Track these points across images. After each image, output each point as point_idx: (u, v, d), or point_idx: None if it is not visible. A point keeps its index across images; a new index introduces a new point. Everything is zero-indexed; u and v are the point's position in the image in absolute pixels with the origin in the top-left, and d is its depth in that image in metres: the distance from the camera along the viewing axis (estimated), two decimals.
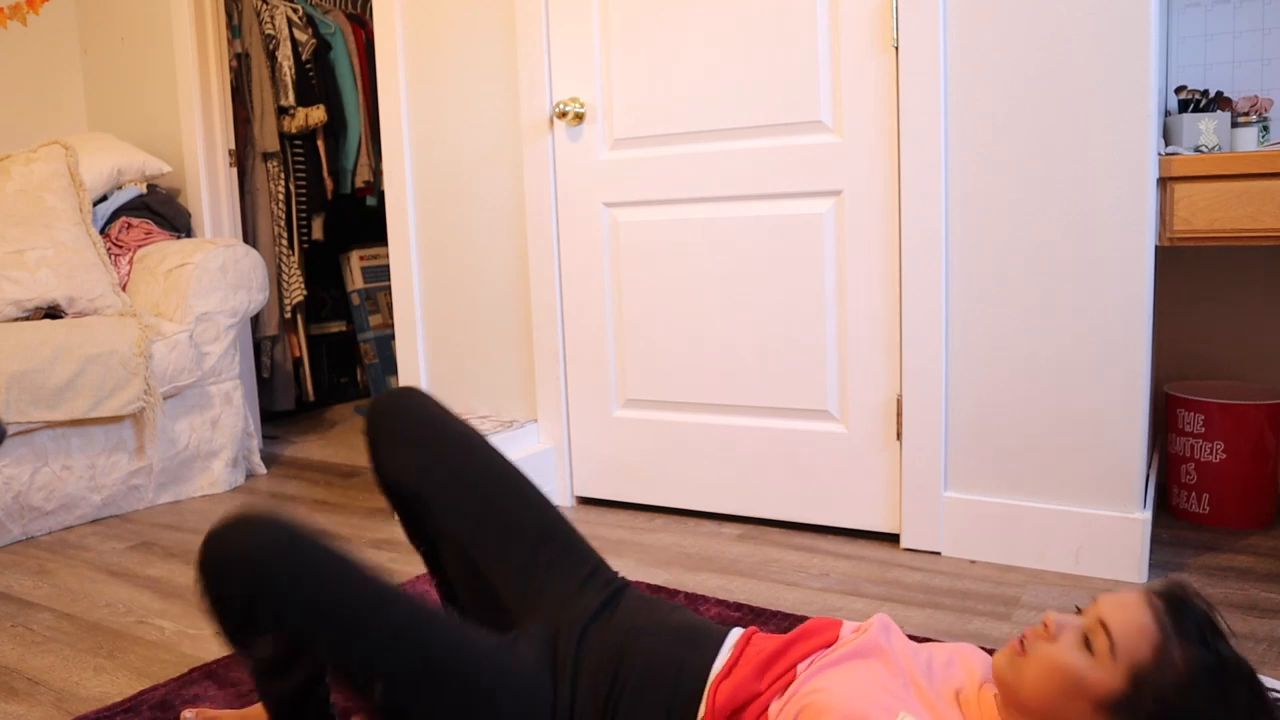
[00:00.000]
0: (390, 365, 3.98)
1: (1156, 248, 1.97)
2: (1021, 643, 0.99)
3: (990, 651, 1.19)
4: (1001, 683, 0.99)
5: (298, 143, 3.79)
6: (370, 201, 4.06)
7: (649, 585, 1.95)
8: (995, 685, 1.01)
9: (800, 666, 1.07)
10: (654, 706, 1.09)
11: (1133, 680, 0.91)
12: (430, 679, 1.04)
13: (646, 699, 1.09)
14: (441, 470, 1.29)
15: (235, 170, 3.47)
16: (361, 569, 1.05)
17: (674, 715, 1.08)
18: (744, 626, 1.20)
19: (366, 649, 1.02)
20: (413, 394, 1.36)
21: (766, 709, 1.04)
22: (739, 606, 1.82)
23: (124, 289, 2.97)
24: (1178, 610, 0.94)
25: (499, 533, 1.26)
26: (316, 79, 3.79)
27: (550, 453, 2.54)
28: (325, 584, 1.02)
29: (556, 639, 1.16)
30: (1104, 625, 0.94)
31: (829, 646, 1.10)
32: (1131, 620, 0.93)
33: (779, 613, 1.78)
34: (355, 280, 4.10)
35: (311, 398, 4.01)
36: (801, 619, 1.73)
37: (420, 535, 1.37)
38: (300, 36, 3.75)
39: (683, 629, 1.16)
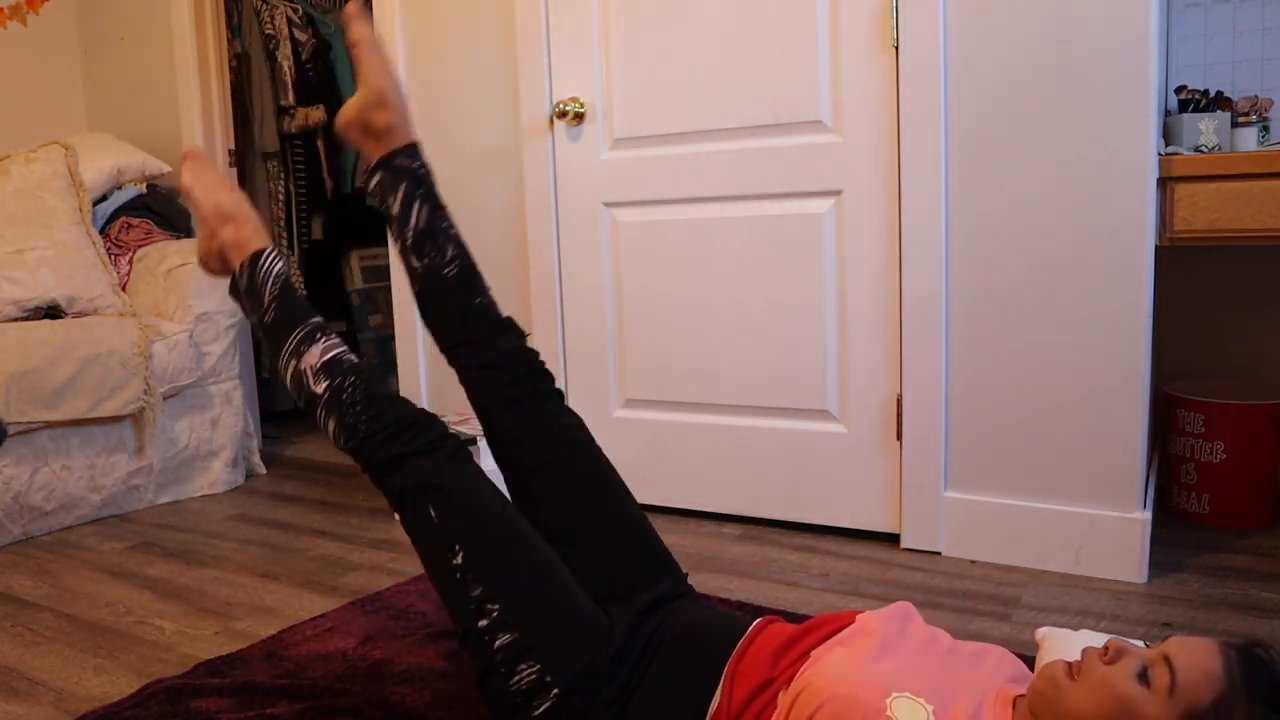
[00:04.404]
0: (390, 365, 3.98)
1: (1156, 248, 1.96)
2: (1072, 666, 0.96)
3: (1019, 656, 1.19)
4: (1039, 693, 0.96)
5: (298, 143, 3.79)
6: (370, 201, 4.05)
7: None
8: (1029, 693, 0.98)
9: (814, 654, 1.08)
10: (678, 678, 1.14)
11: None
12: (505, 557, 1.22)
13: (672, 670, 1.15)
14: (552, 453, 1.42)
15: (235, 170, 3.47)
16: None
17: (694, 691, 1.12)
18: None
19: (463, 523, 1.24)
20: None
21: (776, 696, 1.05)
22: (740, 606, 1.82)
23: (124, 289, 2.97)
24: (1251, 666, 0.89)
25: (601, 522, 1.37)
26: (316, 79, 3.79)
27: None
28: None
29: (621, 603, 1.27)
30: (1168, 661, 0.90)
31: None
32: (1199, 664, 0.89)
33: (779, 612, 1.78)
34: (355, 280, 4.10)
35: None
36: (802, 618, 1.72)
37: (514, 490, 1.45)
38: (300, 36, 3.75)
39: (716, 616, 1.24)
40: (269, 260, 1.44)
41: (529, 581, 1.20)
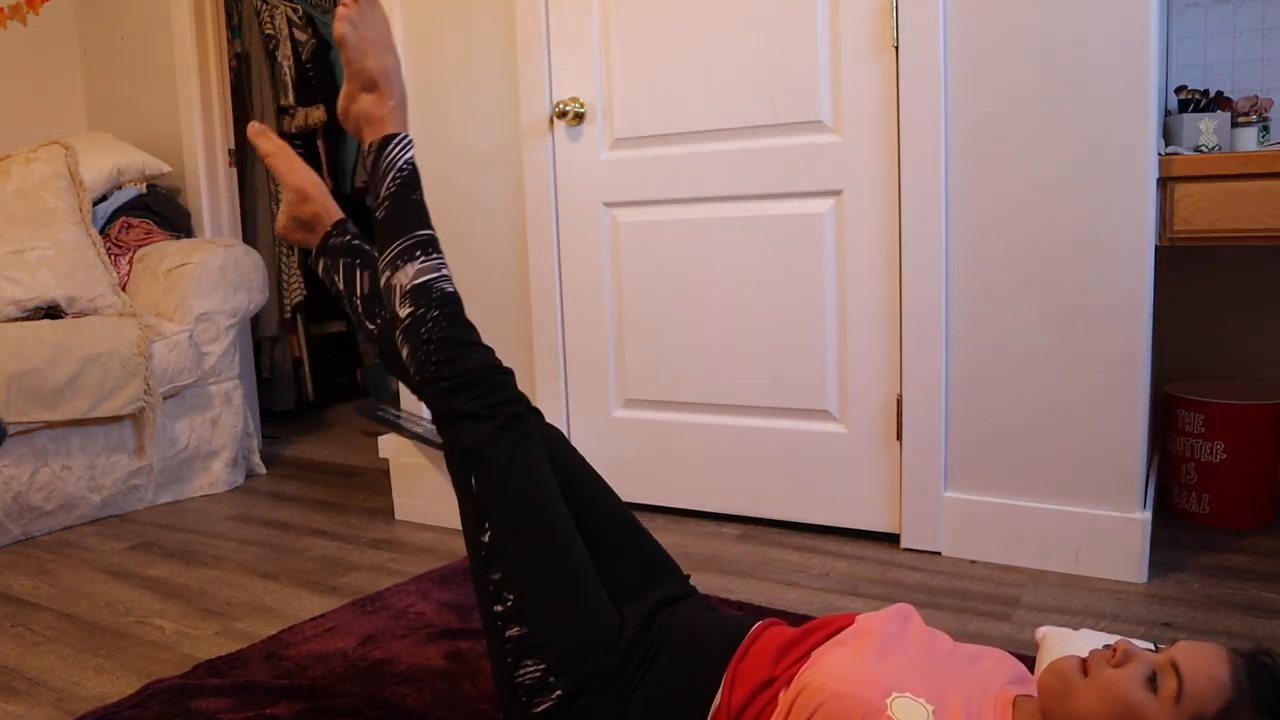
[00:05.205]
0: None
1: (1156, 248, 1.96)
2: (1084, 663, 0.96)
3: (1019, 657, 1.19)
4: (1048, 687, 0.96)
5: (298, 143, 3.79)
6: (370, 201, 4.05)
7: None
8: (1038, 687, 0.99)
9: (814, 654, 1.08)
10: (679, 678, 1.14)
11: None
12: (531, 548, 1.19)
13: (674, 670, 1.15)
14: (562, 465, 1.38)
15: (235, 170, 3.47)
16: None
17: (695, 691, 1.12)
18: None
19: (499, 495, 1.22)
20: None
21: (777, 696, 1.05)
22: (740, 606, 1.82)
23: (124, 289, 2.97)
24: (1258, 675, 0.90)
25: (608, 524, 1.36)
26: (316, 79, 3.79)
27: None
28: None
29: (629, 605, 1.26)
30: (1176, 668, 0.90)
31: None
32: (1206, 671, 0.89)
33: (779, 612, 1.78)
34: None
35: (311, 398, 4.01)
36: (802, 618, 1.73)
37: None
38: (300, 36, 3.75)
39: (717, 617, 1.23)
40: (398, 149, 1.39)
41: (549, 576, 1.19)
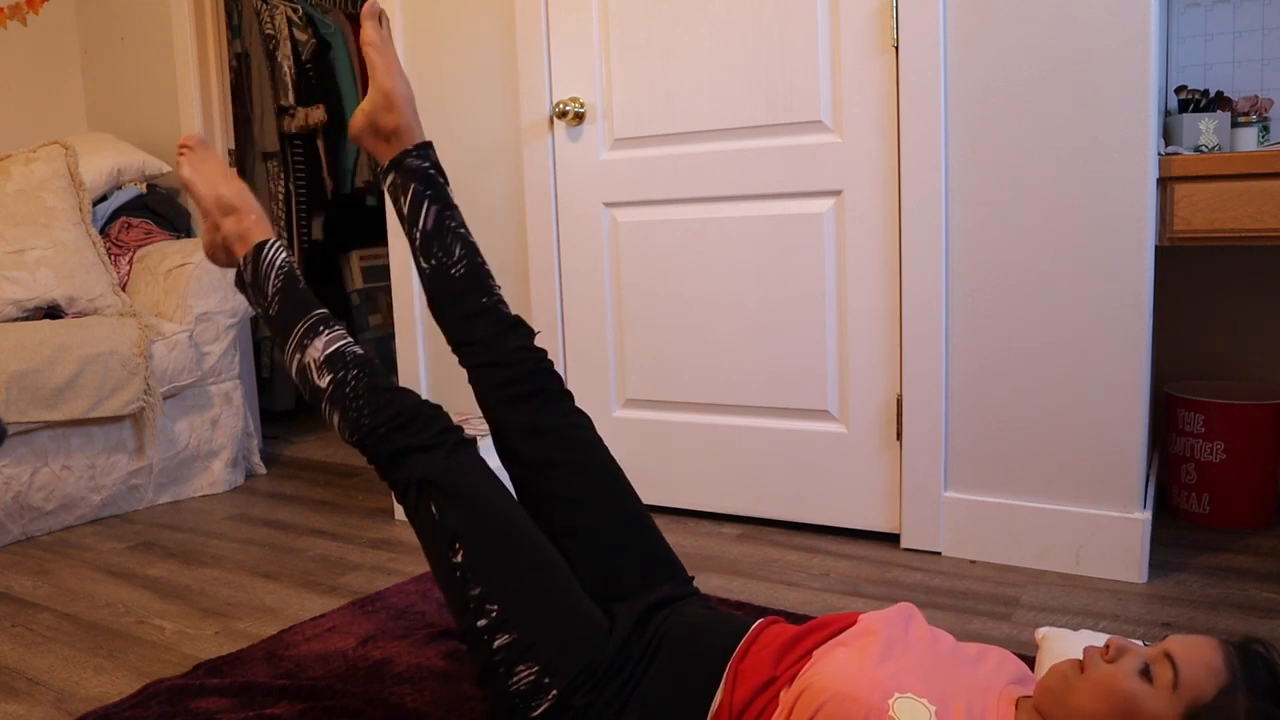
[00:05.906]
0: (390, 365, 3.98)
1: (1156, 248, 1.97)
2: (1080, 663, 0.97)
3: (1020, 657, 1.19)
4: (1048, 689, 0.97)
5: (297, 143, 3.79)
6: (370, 201, 4.06)
7: None
8: (1038, 690, 0.99)
9: (816, 654, 1.08)
10: (679, 677, 1.14)
11: (1189, 718, 0.88)
12: (505, 557, 1.22)
13: (673, 669, 1.15)
14: (565, 465, 1.40)
15: (235, 170, 3.47)
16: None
17: (695, 690, 1.12)
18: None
19: (464, 516, 1.25)
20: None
21: (779, 695, 1.05)
22: (740, 606, 1.82)
23: (124, 289, 2.97)
24: (1251, 661, 0.91)
25: (605, 521, 1.37)
26: (316, 79, 3.79)
27: None
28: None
29: (625, 603, 1.27)
30: (1170, 658, 0.91)
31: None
32: (1200, 658, 0.91)
33: (780, 612, 1.78)
34: (355, 280, 4.10)
35: None
36: (802, 618, 1.73)
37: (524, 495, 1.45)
38: (300, 36, 3.75)
39: (718, 616, 1.24)
40: (272, 252, 1.44)
41: (529, 582, 1.20)
